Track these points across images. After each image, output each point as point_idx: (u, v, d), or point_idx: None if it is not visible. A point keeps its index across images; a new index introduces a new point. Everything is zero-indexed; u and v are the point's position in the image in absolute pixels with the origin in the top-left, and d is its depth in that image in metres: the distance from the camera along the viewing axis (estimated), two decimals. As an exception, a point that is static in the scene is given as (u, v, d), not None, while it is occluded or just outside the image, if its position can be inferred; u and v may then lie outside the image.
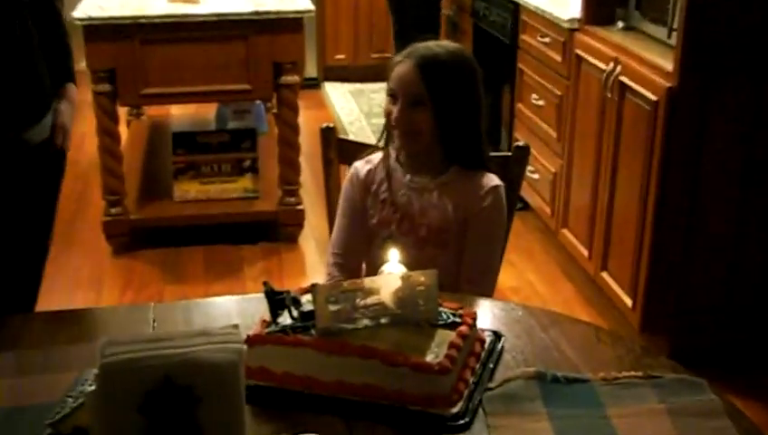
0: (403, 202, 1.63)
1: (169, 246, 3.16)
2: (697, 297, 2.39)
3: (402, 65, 1.56)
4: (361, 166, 1.68)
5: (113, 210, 3.09)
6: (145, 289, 2.87)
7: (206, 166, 3.21)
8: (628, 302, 2.47)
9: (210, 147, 3.22)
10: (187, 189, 3.21)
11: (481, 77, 1.59)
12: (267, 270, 3.01)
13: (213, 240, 3.20)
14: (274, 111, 3.62)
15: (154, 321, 1.33)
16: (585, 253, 2.75)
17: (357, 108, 4.84)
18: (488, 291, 1.63)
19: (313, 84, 5.10)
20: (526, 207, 3.27)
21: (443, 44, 1.59)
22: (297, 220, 3.20)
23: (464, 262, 1.62)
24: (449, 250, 1.62)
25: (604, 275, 2.62)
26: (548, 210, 3.06)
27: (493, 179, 1.61)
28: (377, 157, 1.68)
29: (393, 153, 1.66)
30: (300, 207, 3.20)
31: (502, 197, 1.62)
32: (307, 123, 3.64)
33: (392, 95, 1.58)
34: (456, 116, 1.56)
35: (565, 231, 2.92)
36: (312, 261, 3.11)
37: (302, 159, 3.22)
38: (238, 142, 3.23)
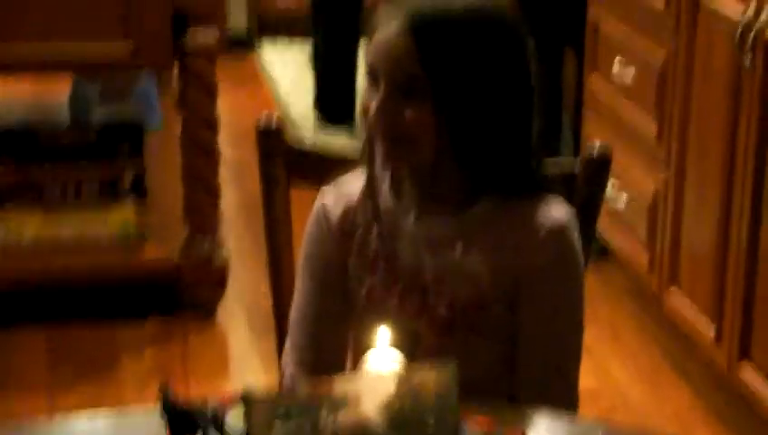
0: (406, 261, 1.64)
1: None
2: None
3: (386, 26, 1.56)
4: (334, 200, 1.69)
5: None
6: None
7: (55, 186, 3.21)
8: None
9: (61, 153, 3.22)
10: (20, 226, 3.21)
11: (526, 44, 1.59)
12: (164, 366, 3.00)
13: (65, 314, 3.18)
14: (175, 92, 3.63)
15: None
16: (710, 331, 2.75)
17: (316, 85, 4.85)
18: (565, 401, 1.64)
19: (243, 45, 5.13)
20: (604, 253, 3.28)
21: None
22: (216, 279, 3.21)
23: (518, 356, 1.62)
24: (489, 335, 1.63)
25: (745, 369, 2.62)
26: (644, 259, 3.07)
27: (553, 211, 1.62)
28: (356, 182, 1.69)
29: (386, 178, 1.66)
30: (220, 256, 3.21)
31: (573, 241, 1.62)
32: (233, 114, 3.66)
33: (372, 76, 1.59)
34: (478, 114, 1.57)
35: (674, 293, 2.93)
36: (243, 350, 3.10)
37: (224, 175, 3.23)
38: (112, 146, 3.24)
